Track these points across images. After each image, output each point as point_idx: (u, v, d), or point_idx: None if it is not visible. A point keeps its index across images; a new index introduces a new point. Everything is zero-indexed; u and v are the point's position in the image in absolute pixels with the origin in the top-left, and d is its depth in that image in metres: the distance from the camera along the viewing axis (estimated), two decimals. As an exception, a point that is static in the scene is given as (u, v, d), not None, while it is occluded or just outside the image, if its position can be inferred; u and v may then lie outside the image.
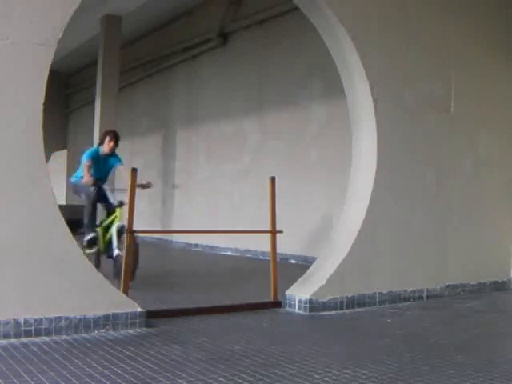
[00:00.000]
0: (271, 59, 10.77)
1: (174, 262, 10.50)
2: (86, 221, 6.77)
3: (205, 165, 12.60)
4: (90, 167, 6.68)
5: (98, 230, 6.77)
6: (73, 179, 6.99)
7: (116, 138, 6.91)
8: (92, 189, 6.65)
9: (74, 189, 7.07)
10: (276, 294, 5.63)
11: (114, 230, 6.53)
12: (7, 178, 4.06)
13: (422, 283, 6.20)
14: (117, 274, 6.14)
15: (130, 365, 3.49)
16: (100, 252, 6.84)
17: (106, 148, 6.86)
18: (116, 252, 6.42)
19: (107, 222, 6.76)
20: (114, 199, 6.74)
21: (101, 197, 6.82)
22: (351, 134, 6.09)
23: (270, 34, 10.80)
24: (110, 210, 6.79)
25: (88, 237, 6.67)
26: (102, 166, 6.93)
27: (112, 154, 6.94)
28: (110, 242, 6.63)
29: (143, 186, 6.77)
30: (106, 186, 6.94)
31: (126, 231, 5.18)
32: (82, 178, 6.70)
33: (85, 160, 6.72)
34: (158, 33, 14.41)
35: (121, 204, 6.54)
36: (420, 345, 4.23)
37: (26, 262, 4.08)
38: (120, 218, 6.56)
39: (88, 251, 6.75)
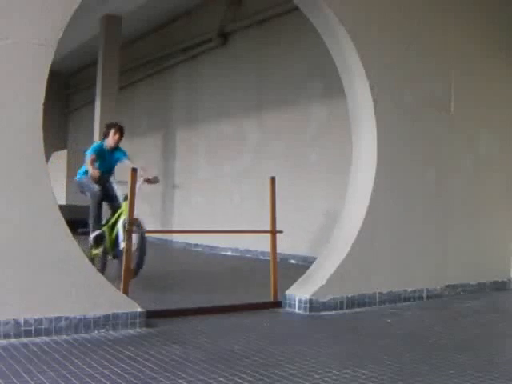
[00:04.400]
0: (271, 59, 10.76)
1: (174, 262, 10.49)
2: (91, 220, 6.64)
3: (205, 165, 12.60)
4: (94, 161, 6.54)
5: (104, 228, 6.64)
6: (77, 176, 6.86)
7: (121, 131, 6.75)
8: (97, 188, 6.54)
9: (79, 186, 6.89)
10: (276, 294, 5.62)
11: (120, 224, 6.36)
12: (7, 178, 4.06)
13: (422, 283, 6.20)
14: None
15: (130, 365, 3.49)
16: (106, 251, 6.67)
17: (111, 141, 6.72)
18: (122, 245, 6.17)
19: (113, 219, 6.61)
20: (120, 193, 6.54)
21: (106, 195, 6.66)
22: (351, 134, 6.09)
23: (270, 34, 10.80)
24: (115, 207, 6.61)
25: (94, 234, 6.58)
26: (107, 161, 6.77)
27: (117, 147, 6.81)
28: (116, 240, 6.49)
29: (150, 181, 6.64)
30: (112, 179, 6.77)
31: (126, 231, 5.18)
32: (86, 173, 6.57)
33: (89, 154, 6.58)
34: (157, 33, 14.41)
35: (127, 198, 6.28)
36: (420, 345, 4.23)
37: (26, 261, 4.08)
38: (126, 212, 6.33)
39: (94, 252, 6.64)
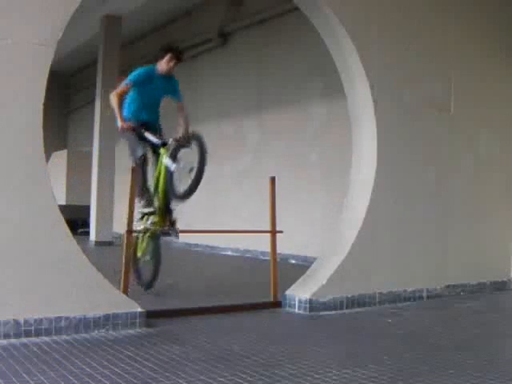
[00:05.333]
0: (271, 59, 10.76)
1: (173, 262, 10.48)
2: (137, 191, 5.60)
3: (205, 165, 12.57)
4: (125, 93, 5.53)
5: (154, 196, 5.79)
6: (124, 113, 5.69)
7: (178, 59, 5.62)
8: (140, 153, 5.54)
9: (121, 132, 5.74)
10: (276, 294, 5.62)
11: (165, 159, 5.50)
12: (7, 178, 4.06)
13: (422, 283, 6.20)
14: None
15: (130, 365, 3.49)
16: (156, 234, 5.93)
17: (163, 65, 5.56)
18: (173, 167, 5.38)
19: (156, 178, 5.73)
20: (156, 139, 5.63)
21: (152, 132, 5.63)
22: (351, 134, 6.09)
23: (270, 33, 10.79)
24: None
25: (146, 210, 5.75)
26: (155, 88, 5.63)
27: (170, 77, 5.69)
28: (166, 195, 5.68)
29: (179, 143, 5.56)
30: (142, 131, 5.68)
31: (126, 231, 5.15)
32: (131, 113, 5.61)
33: (127, 81, 5.54)
34: (158, 33, 14.40)
35: (164, 144, 5.57)
36: (420, 345, 4.23)
37: (26, 262, 4.08)
38: (166, 153, 5.53)
39: (142, 245, 5.94)
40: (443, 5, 6.52)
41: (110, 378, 3.22)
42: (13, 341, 3.92)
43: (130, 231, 5.11)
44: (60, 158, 16.27)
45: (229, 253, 11.31)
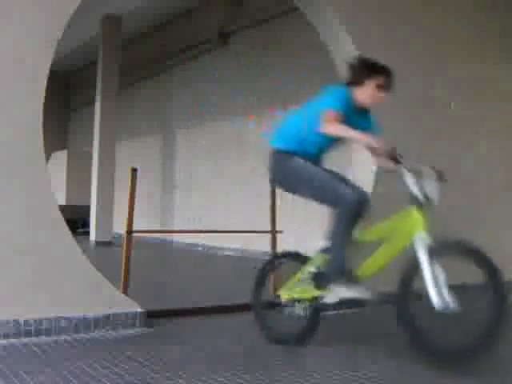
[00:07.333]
0: (271, 59, 10.76)
1: (174, 262, 10.50)
2: (334, 255, 3.81)
3: (205, 165, 12.60)
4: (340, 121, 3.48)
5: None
6: (279, 143, 3.81)
7: (388, 88, 3.65)
8: (354, 196, 3.85)
9: (285, 174, 3.98)
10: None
11: (421, 253, 3.61)
12: (7, 178, 4.06)
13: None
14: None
15: (130, 365, 3.48)
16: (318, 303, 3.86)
17: (365, 96, 3.64)
18: (434, 294, 3.53)
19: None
20: (419, 189, 3.76)
21: None
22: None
23: (270, 34, 10.80)
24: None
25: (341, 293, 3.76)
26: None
27: (366, 111, 3.80)
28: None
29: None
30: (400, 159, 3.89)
31: (126, 231, 5.05)
32: (305, 143, 3.72)
33: (331, 108, 3.52)
34: (158, 33, 14.41)
35: (427, 201, 3.68)
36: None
37: (26, 261, 4.08)
38: (424, 227, 3.65)
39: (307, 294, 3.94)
40: (443, 5, 6.53)
41: (109, 377, 3.22)
42: (13, 341, 3.92)
43: (129, 232, 5.09)
44: (60, 158, 16.28)
45: (229, 253, 11.31)
